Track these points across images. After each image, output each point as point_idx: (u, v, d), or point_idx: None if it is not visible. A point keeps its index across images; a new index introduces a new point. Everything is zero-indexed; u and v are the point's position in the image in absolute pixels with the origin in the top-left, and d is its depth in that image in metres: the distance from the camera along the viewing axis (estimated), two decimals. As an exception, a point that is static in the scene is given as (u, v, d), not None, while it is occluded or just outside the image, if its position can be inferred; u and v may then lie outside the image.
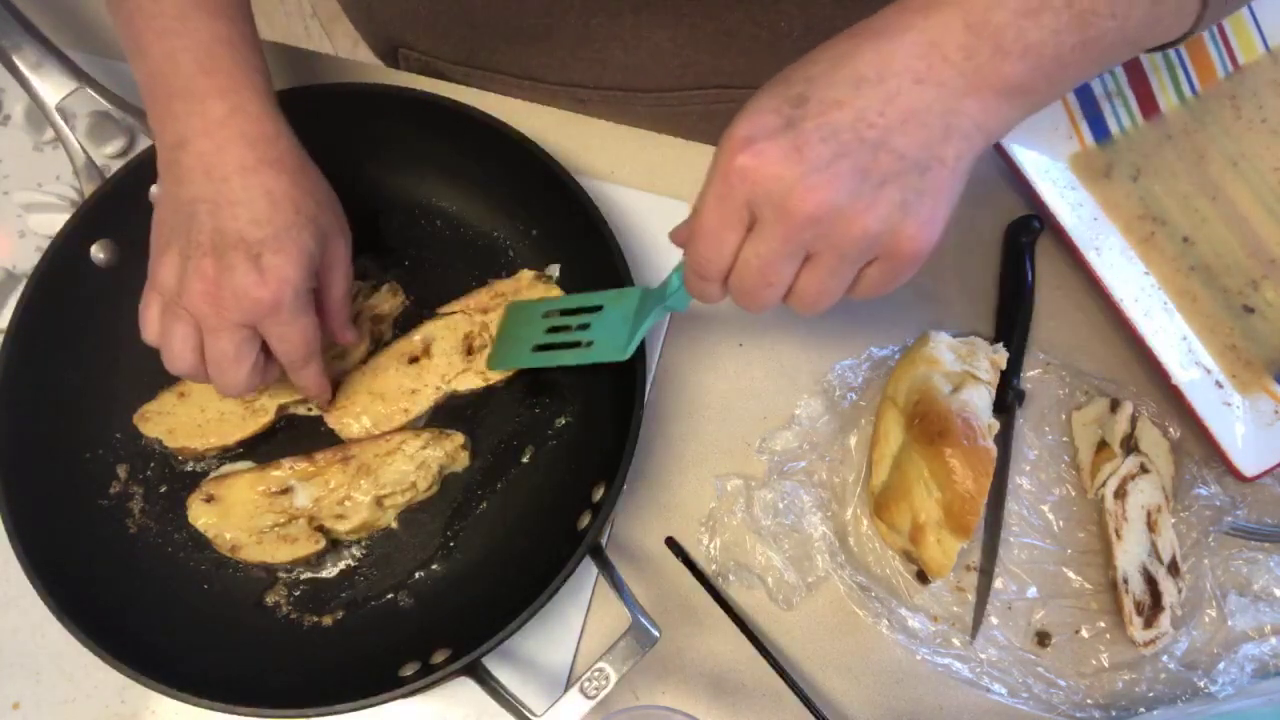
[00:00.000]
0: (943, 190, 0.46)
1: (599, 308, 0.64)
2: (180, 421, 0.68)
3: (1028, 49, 0.45)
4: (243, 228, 0.56)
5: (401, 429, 0.69)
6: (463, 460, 0.69)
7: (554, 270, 0.72)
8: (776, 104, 0.46)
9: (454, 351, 0.70)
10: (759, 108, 0.47)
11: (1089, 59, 0.47)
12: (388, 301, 0.72)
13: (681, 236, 0.55)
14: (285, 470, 0.67)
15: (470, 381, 0.69)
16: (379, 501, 0.67)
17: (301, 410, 0.70)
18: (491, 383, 0.69)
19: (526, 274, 0.71)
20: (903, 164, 0.45)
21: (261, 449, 0.70)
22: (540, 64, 0.82)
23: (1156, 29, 0.48)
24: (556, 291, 0.70)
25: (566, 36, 0.78)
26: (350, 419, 0.69)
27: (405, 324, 0.72)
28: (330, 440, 0.69)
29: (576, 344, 0.64)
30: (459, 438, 0.69)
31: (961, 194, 0.48)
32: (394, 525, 0.68)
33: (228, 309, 0.57)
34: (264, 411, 0.69)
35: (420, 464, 0.67)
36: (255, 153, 0.57)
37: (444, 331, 0.70)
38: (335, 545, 0.68)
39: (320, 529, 0.66)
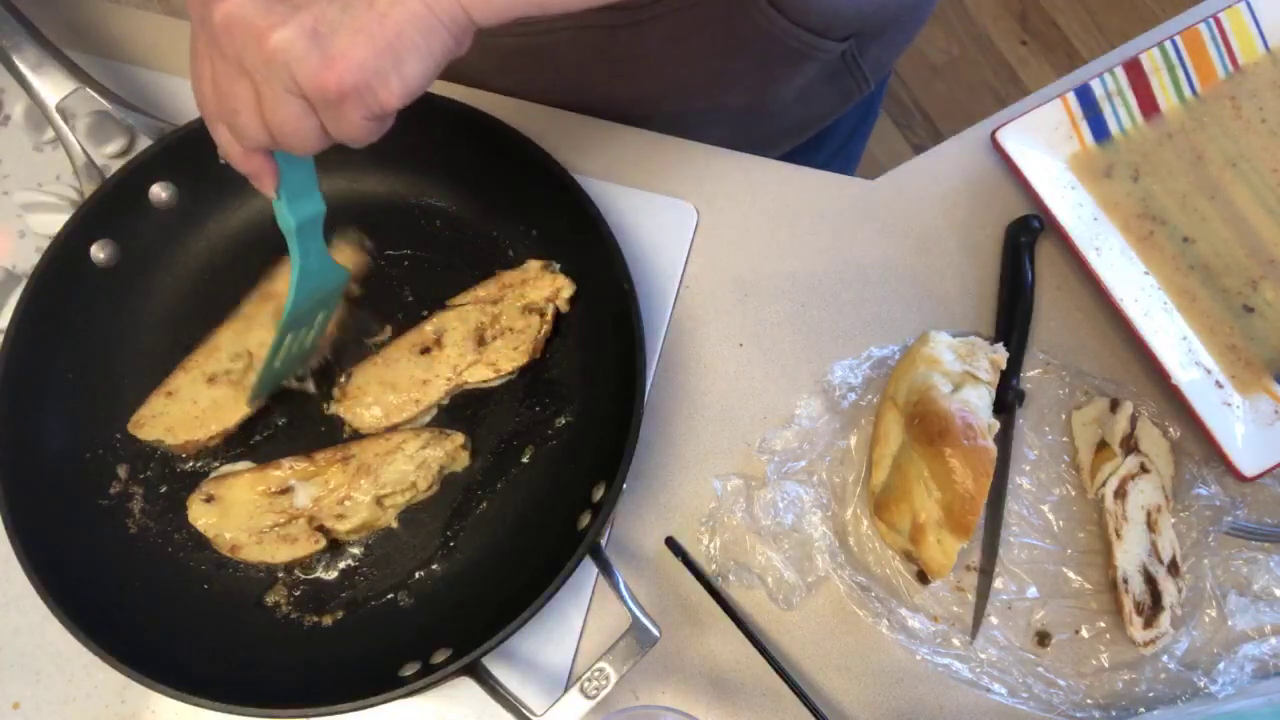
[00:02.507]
0: (365, 31, 0.44)
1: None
2: (176, 419, 0.68)
3: None
4: None
5: (410, 422, 0.69)
6: (463, 460, 0.69)
7: (555, 269, 0.72)
8: None
9: (465, 342, 0.70)
10: None
11: None
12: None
13: None
14: (285, 470, 0.67)
15: (480, 374, 0.69)
16: (379, 501, 0.67)
17: (294, 384, 0.70)
18: (501, 375, 0.69)
19: (534, 264, 0.71)
20: None
21: (262, 449, 0.70)
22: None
23: None
24: (564, 281, 0.70)
25: None
26: (361, 409, 0.69)
27: (404, 324, 0.72)
28: (330, 439, 0.69)
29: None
30: (459, 438, 0.69)
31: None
32: (394, 525, 0.68)
33: None
34: None
35: (420, 464, 0.67)
36: None
37: (455, 322, 0.70)
38: (335, 545, 0.68)
39: (320, 529, 0.66)
